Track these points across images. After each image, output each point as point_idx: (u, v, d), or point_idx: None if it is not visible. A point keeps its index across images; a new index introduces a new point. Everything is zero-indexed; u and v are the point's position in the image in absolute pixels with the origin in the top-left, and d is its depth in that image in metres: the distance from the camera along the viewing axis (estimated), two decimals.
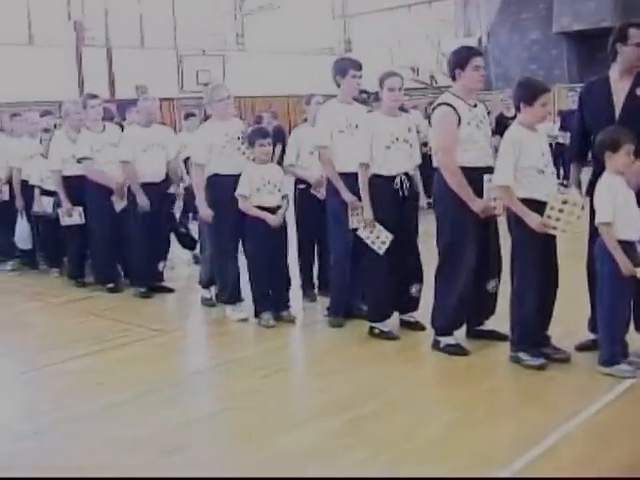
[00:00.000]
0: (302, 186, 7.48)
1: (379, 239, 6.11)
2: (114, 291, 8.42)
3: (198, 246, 8.76)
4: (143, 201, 7.87)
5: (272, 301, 6.87)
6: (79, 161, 8.36)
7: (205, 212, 7.00)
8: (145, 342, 6.65)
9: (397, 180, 6.15)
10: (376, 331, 6.30)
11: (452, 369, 5.60)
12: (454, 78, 5.71)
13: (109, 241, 8.36)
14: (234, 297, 7.15)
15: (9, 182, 9.93)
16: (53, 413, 5.10)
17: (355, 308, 6.76)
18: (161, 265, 8.38)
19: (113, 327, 7.13)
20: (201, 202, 7.01)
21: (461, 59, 5.66)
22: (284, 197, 6.87)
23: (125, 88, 19.00)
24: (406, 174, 6.22)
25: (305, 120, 7.77)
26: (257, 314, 6.87)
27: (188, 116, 12.31)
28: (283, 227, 6.91)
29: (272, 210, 6.75)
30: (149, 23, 26.42)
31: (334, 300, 6.77)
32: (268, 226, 6.69)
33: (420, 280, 6.36)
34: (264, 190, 6.73)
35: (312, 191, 7.35)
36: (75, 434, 4.74)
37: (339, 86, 6.66)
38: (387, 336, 6.24)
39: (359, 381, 5.43)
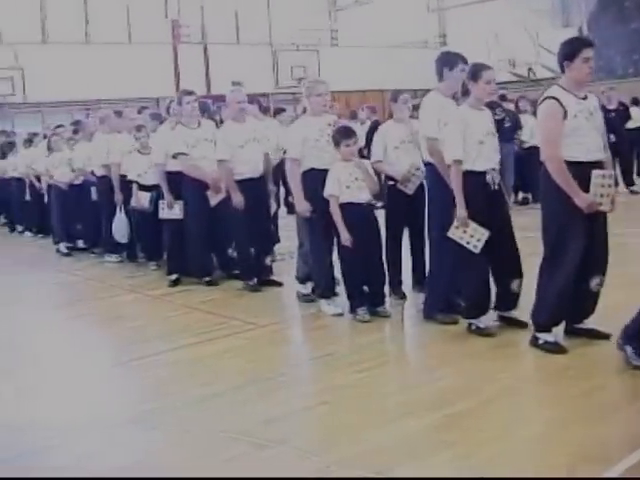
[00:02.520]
0: (391, 182, 7.39)
1: (474, 237, 5.97)
2: (211, 284, 8.51)
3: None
4: (238, 199, 7.89)
5: (367, 296, 6.83)
6: (174, 156, 8.47)
7: (302, 207, 6.99)
8: (240, 335, 6.69)
9: (489, 175, 6.04)
10: (473, 327, 6.19)
11: (550, 367, 5.45)
12: (563, 70, 5.55)
13: (205, 235, 8.44)
14: (329, 292, 7.13)
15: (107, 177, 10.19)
16: (148, 404, 5.17)
17: (455, 304, 6.64)
18: (268, 259, 8.40)
19: (209, 320, 7.21)
20: (298, 197, 7.01)
21: (570, 50, 5.46)
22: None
23: (221, 84, 19.18)
24: (494, 168, 6.10)
25: (391, 116, 7.65)
26: (352, 309, 6.83)
27: (279, 111, 12.36)
28: (376, 222, 6.87)
29: (363, 206, 6.72)
30: (244, 19, 26.68)
31: (440, 297, 6.61)
32: (361, 222, 6.65)
33: (520, 275, 6.19)
34: (354, 186, 6.69)
35: (399, 186, 7.26)
36: (170, 426, 4.79)
37: (442, 79, 6.52)
38: (483, 333, 6.13)
39: (455, 378, 5.34)
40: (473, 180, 5.97)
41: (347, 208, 6.67)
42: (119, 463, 4.30)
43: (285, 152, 7.48)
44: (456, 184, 5.95)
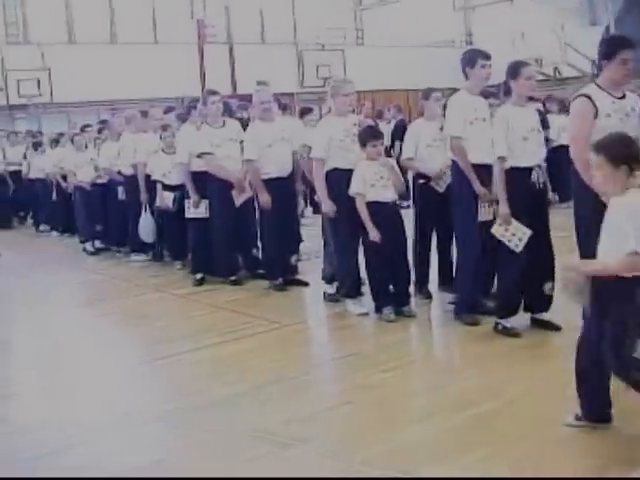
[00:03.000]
0: (421, 180, 7.36)
1: (515, 236, 5.88)
2: (236, 284, 8.51)
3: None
4: (265, 198, 7.88)
5: (393, 296, 6.80)
6: (199, 156, 8.48)
7: (327, 206, 6.98)
8: (266, 335, 6.69)
9: (534, 172, 5.99)
10: (500, 327, 6.15)
11: None
12: (600, 68, 5.49)
13: (231, 234, 8.44)
14: (354, 291, 7.11)
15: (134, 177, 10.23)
16: (175, 402, 5.19)
17: (479, 304, 6.61)
18: (293, 259, 8.39)
19: (234, 319, 7.21)
20: (323, 196, 7.00)
21: (609, 50, 5.37)
22: None
23: (246, 84, 19.19)
24: (539, 165, 6.05)
25: (422, 114, 7.62)
26: (378, 309, 6.81)
27: (306, 111, 12.32)
28: (401, 221, 6.85)
29: (388, 205, 6.69)
30: (269, 19, 26.70)
31: (466, 297, 6.58)
32: (386, 221, 6.63)
33: (553, 278, 6.09)
34: (378, 185, 6.67)
35: (432, 184, 7.24)
36: (194, 425, 4.79)
37: (467, 78, 6.53)
38: (510, 333, 6.08)
39: (481, 378, 5.31)
40: (517, 177, 5.92)
41: (372, 207, 6.65)
42: (142, 462, 4.32)
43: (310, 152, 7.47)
44: (499, 181, 5.91)
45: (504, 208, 5.88)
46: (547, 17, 25.50)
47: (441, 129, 7.11)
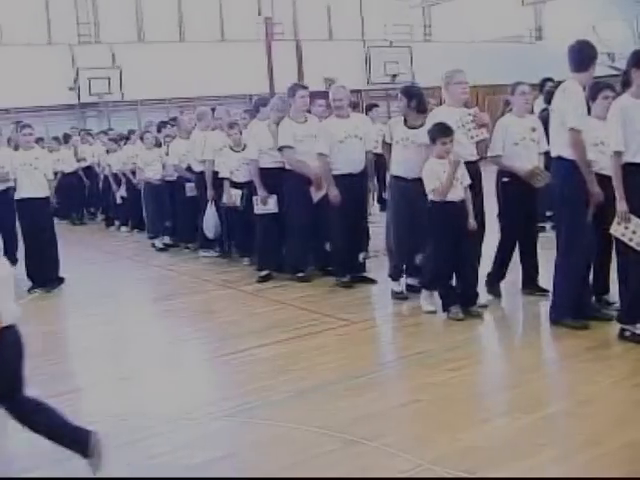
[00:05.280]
0: (506, 179, 7.09)
1: (636, 234, 5.62)
2: (304, 280, 8.52)
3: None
4: (334, 194, 7.87)
5: (460, 295, 6.73)
6: (280, 149, 8.49)
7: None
8: (333, 332, 6.69)
9: None
10: (627, 334, 5.82)
11: None
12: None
13: (306, 230, 8.43)
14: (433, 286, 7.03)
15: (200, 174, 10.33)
16: (242, 398, 5.22)
17: (588, 308, 6.32)
18: (361, 256, 8.37)
19: (302, 316, 7.23)
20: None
21: None
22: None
23: (314, 80, 19.21)
24: None
25: (510, 110, 7.32)
26: (445, 307, 6.75)
27: (371, 107, 12.27)
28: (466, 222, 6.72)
29: (456, 204, 6.61)
30: (336, 15, 26.71)
31: (568, 300, 6.26)
32: (455, 220, 6.55)
33: None
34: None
35: (531, 180, 6.93)
36: (261, 420, 4.81)
37: (581, 70, 6.05)
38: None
39: (551, 379, 5.25)
40: (634, 172, 5.63)
41: (441, 206, 6.59)
42: (211, 456, 4.35)
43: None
44: (616, 177, 5.64)
45: (622, 205, 5.60)
46: (620, 9, 24.98)
47: (533, 129, 6.99)
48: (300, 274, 8.61)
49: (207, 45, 23.62)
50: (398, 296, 7.54)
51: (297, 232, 8.53)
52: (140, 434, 4.72)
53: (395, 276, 7.61)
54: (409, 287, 7.59)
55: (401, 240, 7.44)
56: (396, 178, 7.38)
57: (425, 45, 27.69)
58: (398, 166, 7.36)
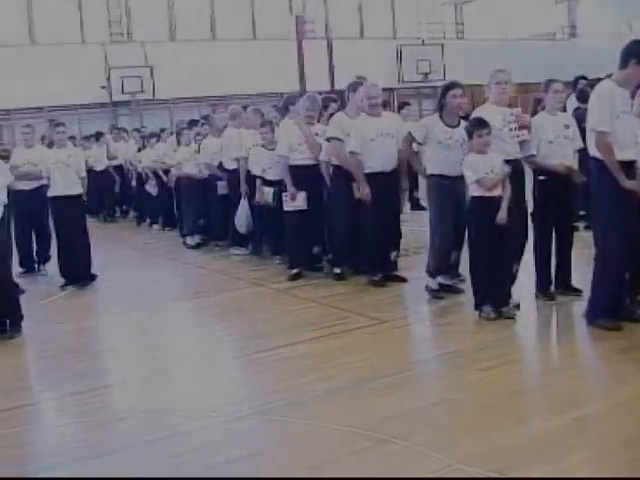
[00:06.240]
0: (542, 177, 6.97)
1: None
2: (340, 278, 8.49)
3: None
4: (365, 192, 7.83)
5: (493, 294, 6.64)
6: (328, 140, 8.42)
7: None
8: (364, 330, 6.66)
9: None
10: None
11: None
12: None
13: (348, 227, 8.35)
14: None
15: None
16: (271, 396, 5.22)
17: (623, 309, 6.20)
18: (393, 254, 8.32)
19: (333, 314, 7.21)
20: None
21: None
22: None
23: (345, 79, 19.15)
24: None
25: (543, 108, 7.22)
26: (477, 306, 6.68)
27: (403, 105, 12.21)
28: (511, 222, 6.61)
29: (495, 200, 6.51)
30: (368, 14, 26.68)
31: (605, 301, 6.17)
32: (492, 216, 6.47)
33: None
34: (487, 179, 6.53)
35: (572, 177, 6.86)
36: (292, 418, 4.80)
37: (624, 68, 5.95)
38: None
39: (584, 380, 5.19)
40: None
41: (479, 202, 6.54)
42: (241, 453, 4.36)
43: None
44: None
45: None
46: None
47: (566, 126, 6.91)
48: (337, 271, 8.56)
49: (238, 43, 23.69)
50: (435, 294, 7.46)
51: (338, 229, 8.48)
52: (167, 431, 4.72)
53: (434, 273, 7.51)
54: (440, 286, 7.53)
55: (447, 238, 7.36)
56: (440, 177, 7.26)
57: (457, 43, 27.58)
58: (439, 165, 7.25)
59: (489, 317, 6.53)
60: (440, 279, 7.54)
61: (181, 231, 12.48)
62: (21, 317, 7.31)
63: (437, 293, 7.47)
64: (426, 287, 7.53)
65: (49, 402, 5.63)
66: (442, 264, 7.49)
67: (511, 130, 6.77)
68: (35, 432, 5.01)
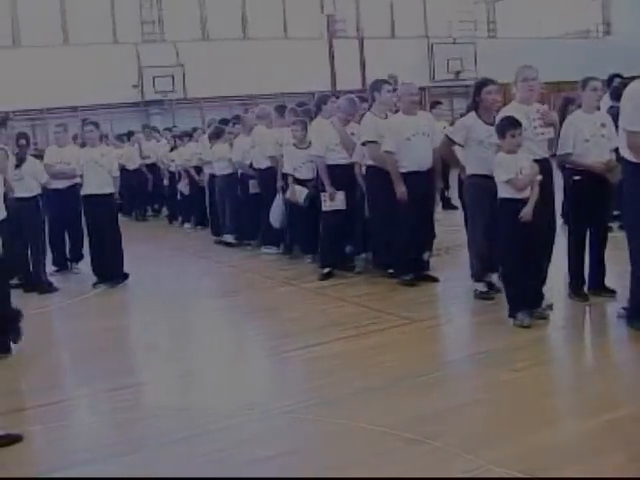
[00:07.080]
0: (577, 177, 6.88)
1: None
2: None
3: None
4: (401, 191, 7.80)
5: (526, 297, 6.48)
6: (364, 143, 8.39)
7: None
8: (394, 330, 6.64)
9: None
10: None
11: None
12: None
13: (386, 227, 8.28)
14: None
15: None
16: (302, 395, 5.23)
17: None
18: (426, 255, 8.29)
19: (364, 314, 7.20)
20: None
21: None
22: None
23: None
24: None
25: (579, 106, 7.14)
26: (512, 313, 6.46)
27: (435, 104, 12.13)
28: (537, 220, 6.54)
29: (526, 200, 6.41)
30: (399, 12, 26.62)
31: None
32: (524, 223, 6.35)
33: None
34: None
35: (607, 175, 6.74)
36: (323, 417, 4.79)
37: None
38: None
39: (619, 381, 5.13)
40: None
41: (508, 204, 6.41)
42: (272, 452, 4.36)
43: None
44: None
45: None
46: None
47: (603, 125, 6.82)
48: (391, 270, 8.40)
49: (270, 42, 23.72)
50: (484, 296, 7.31)
51: (378, 228, 8.41)
52: (200, 429, 4.74)
53: (480, 276, 7.39)
54: (489, 286, 7.40)
55: (488, 238, 7.21)
56: (483, 177, 7.02)
57: (489, 41, 27.41)
58: (483, 165, 7.00)
59: (523, 325, 6.34)
60: (487, 278, 7.42)
61: (212, 230, 12.51)
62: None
63: (487, 295, 7.31)
64: (474, 293, 7.38)
65: (82, 399, 5.69)
66: (486, 264, 7.35)
67: (535, 128, 6.68)
68: (68, 428, 5.05)
